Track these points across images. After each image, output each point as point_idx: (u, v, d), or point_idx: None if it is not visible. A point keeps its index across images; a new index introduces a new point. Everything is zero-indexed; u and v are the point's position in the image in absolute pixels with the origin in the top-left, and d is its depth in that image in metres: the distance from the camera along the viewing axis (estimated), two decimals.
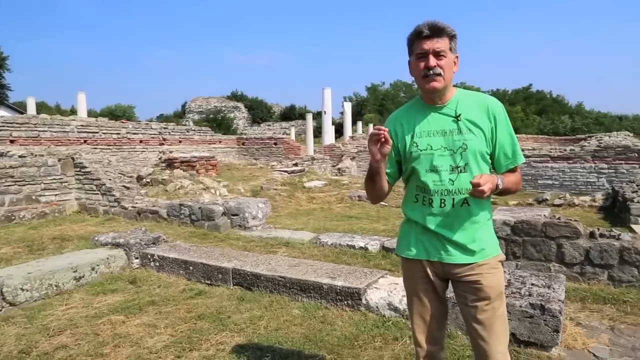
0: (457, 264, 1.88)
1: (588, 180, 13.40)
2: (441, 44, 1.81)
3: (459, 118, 1.87)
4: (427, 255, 1.92)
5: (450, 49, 1.84)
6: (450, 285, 2.01)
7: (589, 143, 14.50)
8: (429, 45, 1.80)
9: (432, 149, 1.87)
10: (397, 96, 47.26)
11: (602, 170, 13.30)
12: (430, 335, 1.99)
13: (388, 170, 1.98)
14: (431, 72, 1.81)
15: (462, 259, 1.87)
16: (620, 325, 3.51)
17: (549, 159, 13.94)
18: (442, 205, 1.87)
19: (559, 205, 10.54)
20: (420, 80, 1.86)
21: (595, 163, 13.38)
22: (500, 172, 1.93)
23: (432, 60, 1.80)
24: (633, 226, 7.84)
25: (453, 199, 1.86)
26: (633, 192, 9.40)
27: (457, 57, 1.89)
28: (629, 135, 17.63)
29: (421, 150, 1.89)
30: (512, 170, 1.94)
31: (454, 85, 1.95)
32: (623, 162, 13.12)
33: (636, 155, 13.11)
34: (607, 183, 12.98)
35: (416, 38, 1.84)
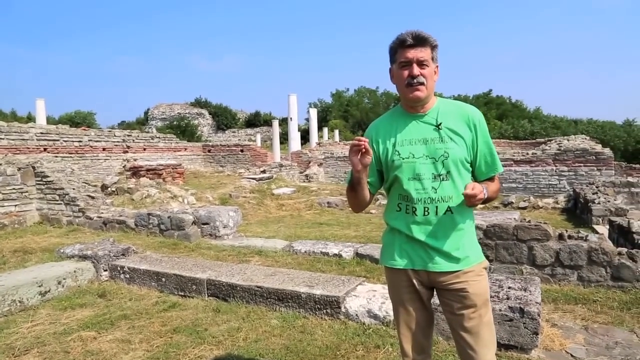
0: (442, 272, 1.87)
1: (550, 182, 13.81)
2: (424, 53, 1.83)
3: (440, 127, 1.88)
4: (411, 265, 1.91)
5: (432, 59, 1.87)
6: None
7: (549, 147, 14.92)
8: (412, 54, 1.82)
9: (414, 157, 1.88)
10: (361, 102, 47.55)
11: (562, 173, 13.73)
12: (417, 344, 1.97)
13: (369, 180, 1.98)
14: (415, 80, 1.83)
15: (447, 267, 1.87)
16: (593, 324, 3.60)
17: (512, 162, 14.29)
18: (426, 213, 1.87)
19: (523, 208, 10.81)
20: (403, 88, 1.87)
21: (556, 166, 13.80)
22: (480, 179, 1.96)
23: (416, 69, 1.82)
24: (595, 227, 8.11)
25: (436, 207, 1.86)
26: (594, 194, 9.73)
27: (437, 66, 1.91)
28: (586, 139, 18.24)
29: (403, 159, 1.89)
30: (492, 179, 1.97)
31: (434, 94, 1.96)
32: (582, 164, 13.59)
33: (594, 158, 13.59)
34: (567, 185, 13.41)
35: (399, 46, 1.85)
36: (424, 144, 1.88)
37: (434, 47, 1.86)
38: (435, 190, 1.86)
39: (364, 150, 1.79)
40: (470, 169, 1.94)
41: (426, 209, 1.87)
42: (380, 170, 2.00)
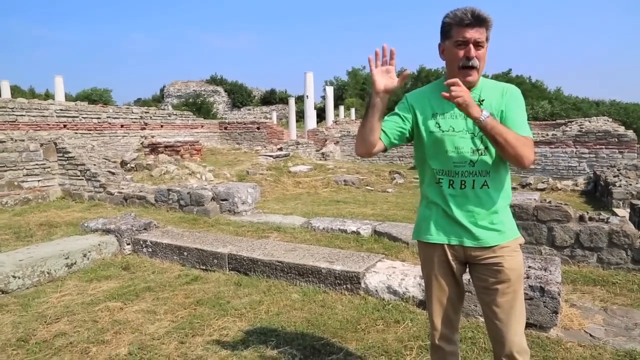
0: (478, 247, 1.89)
1: (569, 164, 13.64)
2: (482, 34, 1.80)
3: (482, 103, 1.88)
4: (447, 240, 1.92)
5: (487, 39, 1.84)
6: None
7: (570, 128, 14.71)
8: (470, 34, 1.79)
9: (454, 130, 1.88)
10: None
11: (583, 155, 13.55)
12: (447, 319, 2.00)
13: (390, 128, 1.93)
14: (470, 63, 1.81)
15: (483, 242, 1.88)
16: (612, 306, 3.60)
17: None
18: (462, 186, 1.88)
19: (542, 189, 10.72)
20: (455, 67, 1.85)
21: (576, 148, 13.61)
22: None
23: (473, 51, 1.80)
24: (615, 210, 8.01)
25: (473, 180, 1.87)
26: (614, 177, 9.61)
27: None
28: (608, 121, 17.87)
29: (443, 131, 1.89)
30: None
31: None
32: (603, 147, 13.38)
33: (616, 140, 13.37)
34: (588, 167, 13.24)
35: (457, 25, 1.81)
36: (465, 118, 1.86)
37: (488, 27, 1.83)
38: (473, 164, 1.86)
39: (387, 62, 1.72)
40: None
41: (463, 182, 1.88)
42: (405, 131, 1.95)
